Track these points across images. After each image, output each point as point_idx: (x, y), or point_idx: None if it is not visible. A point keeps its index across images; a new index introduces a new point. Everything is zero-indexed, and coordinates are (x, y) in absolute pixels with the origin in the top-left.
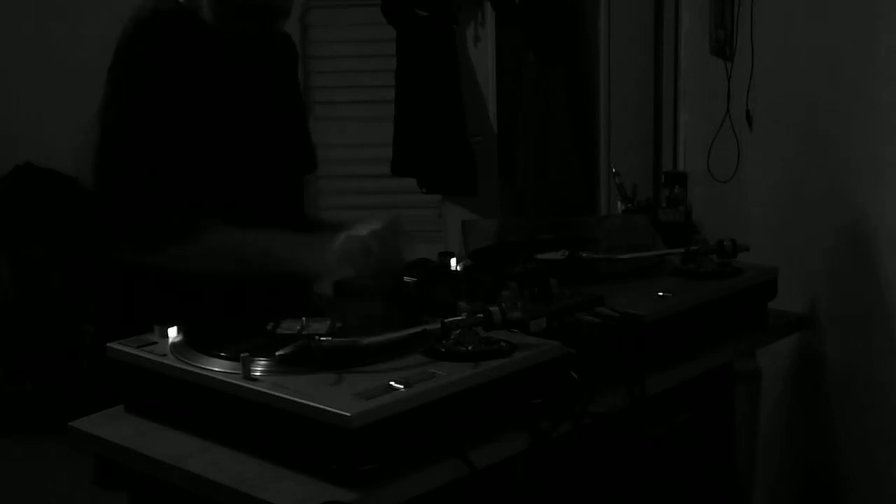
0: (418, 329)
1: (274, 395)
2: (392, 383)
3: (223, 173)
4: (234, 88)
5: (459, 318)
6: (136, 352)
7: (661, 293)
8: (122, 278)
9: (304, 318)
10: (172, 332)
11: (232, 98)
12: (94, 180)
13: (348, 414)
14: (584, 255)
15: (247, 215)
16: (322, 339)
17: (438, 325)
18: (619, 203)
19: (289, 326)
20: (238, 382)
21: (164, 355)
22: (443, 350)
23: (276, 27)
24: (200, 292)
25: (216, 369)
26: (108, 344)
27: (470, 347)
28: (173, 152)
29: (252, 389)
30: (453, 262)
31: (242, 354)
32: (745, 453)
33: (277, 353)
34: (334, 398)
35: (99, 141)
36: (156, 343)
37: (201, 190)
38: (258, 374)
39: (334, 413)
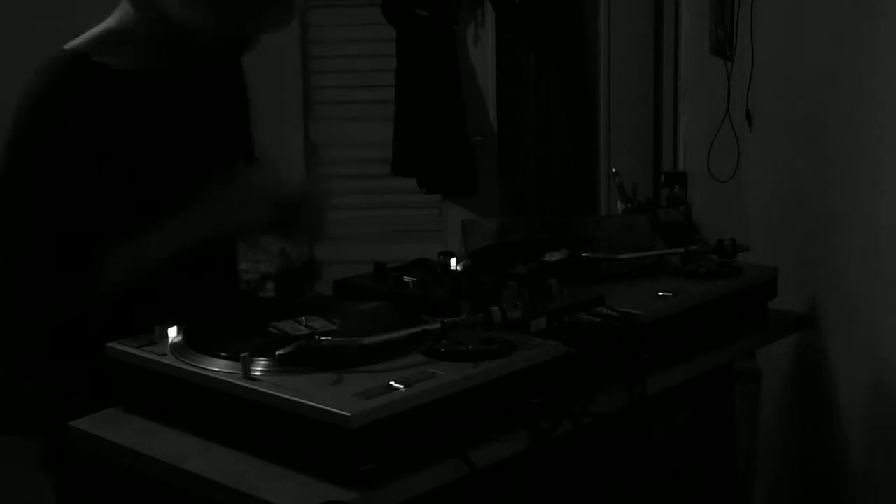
0: (418, 329)
1: (274, 395)
2: (392, 383)
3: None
4: (151, 134)
5: (459, 318)
6: (136, 352)
7: (661, 293)
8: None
9: (303, 318)
10: (172, 332)
11: (147, 143)
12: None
13: (348, 414)
14: (584, 255)
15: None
16: (322, 338)
17: (438, 325)
18: (619, 203)
19: (289, 326)
20: (238, 382)
21: (164, 355)
22: (443, 350)
23: (227, 61)
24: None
25: (216, 369)
26: (108, 344)
27: (470, 347)
28: (87, 205)
29: (252, 389)
30: (453, 262)
31: (242, 354)
32: (745, 453)
33: (277, 353)
34: (334, 398)
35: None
36: (156, 343)
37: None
38: (258, 374)
39: (334, 413)
